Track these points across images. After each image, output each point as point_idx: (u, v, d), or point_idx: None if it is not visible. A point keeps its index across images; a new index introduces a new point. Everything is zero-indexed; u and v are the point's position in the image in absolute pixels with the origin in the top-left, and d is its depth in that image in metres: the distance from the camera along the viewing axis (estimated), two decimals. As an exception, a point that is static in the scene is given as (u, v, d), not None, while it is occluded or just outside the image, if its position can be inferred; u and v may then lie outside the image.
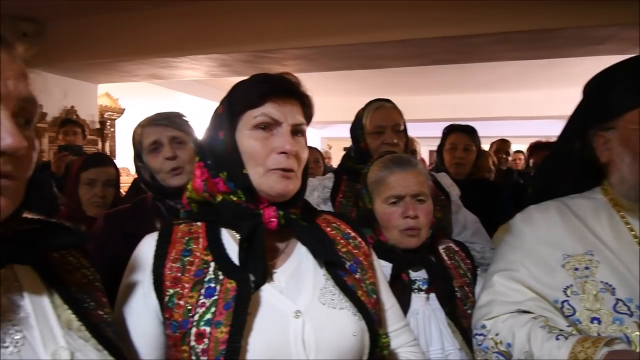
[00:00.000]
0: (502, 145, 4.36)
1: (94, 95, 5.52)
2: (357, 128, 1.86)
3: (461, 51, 3.99)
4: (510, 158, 4.63)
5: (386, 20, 3.56)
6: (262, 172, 0.88)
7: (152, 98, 6.84)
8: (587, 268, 1.04)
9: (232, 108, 0.92)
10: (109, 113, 6.10)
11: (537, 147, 3.27)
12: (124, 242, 1.21)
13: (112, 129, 6.19)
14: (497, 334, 1.07)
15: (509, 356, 1.05)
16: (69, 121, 4.13)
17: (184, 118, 1.56)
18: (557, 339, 0.97)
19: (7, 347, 0.62)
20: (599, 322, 0.98)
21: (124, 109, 6.34)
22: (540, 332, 1.00)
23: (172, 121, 1.52)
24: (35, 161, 0.70)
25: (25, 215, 0.72)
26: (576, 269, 1.05)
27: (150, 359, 0.87)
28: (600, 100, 1.12)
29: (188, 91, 7.22)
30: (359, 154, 1.86)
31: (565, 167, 1.23)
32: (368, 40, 3.66)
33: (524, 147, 6.19)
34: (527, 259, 1.11)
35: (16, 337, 0.64)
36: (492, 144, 4.45)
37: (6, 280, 0.68)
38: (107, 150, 5.88)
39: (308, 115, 0.96)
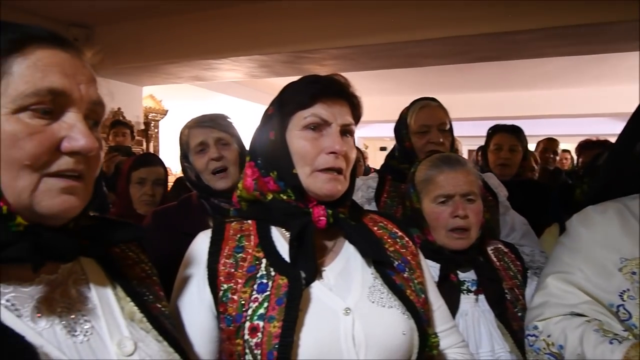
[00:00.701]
0: (549, 144, 4.21)
1: (139, 97, 5.71)
2: (401, 127, 1.84)
3: (505, 48, 3.89)
4: (557, 158, 4.46)
5: (426, 18, 3.52)
6: (312, 172, 0.90)
7: (193, 99, 7.01)
8: None
9: (282, 109, 0.93)
10: (153, 114, 6.27)
11: (586, 146, 3.14)
12: (172, 238, 1.26)
13: (156, 130, 6.35)
14: (549, 336, 1.05)
15: (560, 358, 1.03)
16: (118, 122, 4.28)
17: (228, 120, 1.60)
18: (611, 343, 0.94)
19: (77, 335, 0.66)
20: None
21: (167, 110, 6.50)
22: (593, 336, 0.98)
23: (217, 123, 1.56)
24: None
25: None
26: (633, 273, 1.01)
27: (204, 350, 0.90)
28: None
29: (227, 92, 7.36)
30: (403, 153, 1.84)
31: (626, 167, 1.18)
32: (407, 38, 3.63)
33: (570, 146, 5.96)
34: (583, 261, 1.08)
35: (85, 327, 0.68)
36: (538, 143, 4.31)
37: (74, 273, 0.72)
38: (151, 151, 6.04)
39: (357, 115, 0.97)
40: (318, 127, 0.91)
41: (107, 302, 0.73)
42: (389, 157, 1.97)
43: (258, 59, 4.30)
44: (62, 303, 0.67)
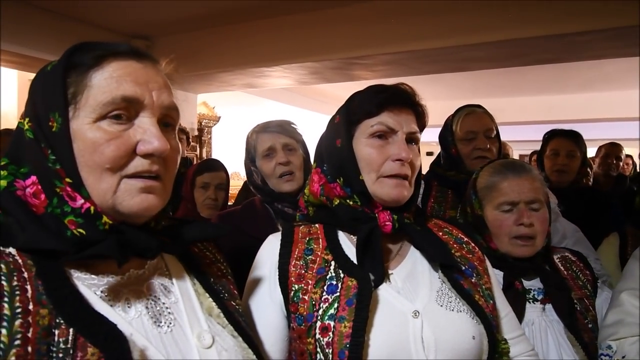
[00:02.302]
0: (612, 149, 3.96)
1: (194, 105, 5.89)
2: (446, 134, 1.83)
3: (562, 50, 3.73)
4: (620, 163, 4.20)
5: (479, 21, 3.44)
6: (376, 178, 0.91)
7: (244, 105, 7.15)
8: None
9: (349, 117, 0.95)
10: (206, 121, 6.45)
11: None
12: (237, 240, 1.29)
13: (209, 136, 6.53)
14: (623, 357, 1.00)
15: None
16: None
17: (293, 126, 1.63)
18: None
19: (162, 326, 0.70)
20: None
21: (219, 117, 6.66)
22: None
23: (284, 129, 1.59)
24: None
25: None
26: None
27: (275, 349, 0.92)
28: None
29: (277, 98, 7.47)
30: (449, 160, 1.83)
31: None
32: (460, 42, 3.55)
33: (631, 151, 5.60)
34: None
35: (169, 319, 0.72)
36: (600, 148, 4.08)
37: (159, 269, 0.77)
38: (204, 156, 6.21)
39: (421, 124, 0.97)
40: (384, 135, 0.92)
41: (188, 297, 0.77)
42: (434, 164, 1.96)
43: (309, 66, 4.35)
44: (149, 296, 0.72)
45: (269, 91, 6.78)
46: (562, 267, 1.24)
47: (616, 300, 1.08)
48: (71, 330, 0.58)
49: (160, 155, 0.69)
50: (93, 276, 0.67)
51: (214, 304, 0.78)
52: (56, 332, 0.57)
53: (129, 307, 0.69)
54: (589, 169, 3.29)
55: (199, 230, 0.81)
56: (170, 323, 0.72)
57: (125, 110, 0.67)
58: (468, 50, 3.74)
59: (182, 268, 0.81)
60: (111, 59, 0.69)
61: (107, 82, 0.67)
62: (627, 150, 4.80)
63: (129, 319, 0.67)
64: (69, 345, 0.57)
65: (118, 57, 0.69)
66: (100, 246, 0.64)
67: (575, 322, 1.13)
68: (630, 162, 5.08)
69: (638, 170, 5.00)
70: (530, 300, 1.17)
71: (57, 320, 0.58)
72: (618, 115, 7.56)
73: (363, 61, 4.10)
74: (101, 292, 0.67)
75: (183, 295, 0.77)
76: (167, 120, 0.74)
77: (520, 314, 1.12)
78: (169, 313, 0.73)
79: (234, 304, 0.83)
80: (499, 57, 3.98)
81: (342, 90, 1.03)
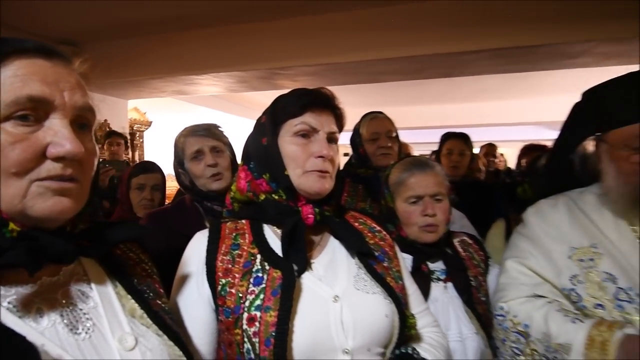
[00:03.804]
0: (489, 149, 4.36)
1: (125, 110, 5.51)
2: (355, 137, 1.93)
3: (453, 66, 3.98)
4: (496, 160, 4.62)
5: (387, 40, 3.57)
6: (302, 173, 0.89)
7: (175, 111, 6.84)
8: (591, 259, 1.02)
9: (275, 117, 0.92)
10: (138, 125, 6.11)
11: (529, 149, 3.29)
12: (167, 238, 1.20)
13: (141, 140, 6.20)
14: (515, 316, 1.06)
15: (527, 335, 1.03)
16: (113, 133, 4.12)
17: (219, 129, 1.56)
18: (574, 322, 0.95)
19: (79, 333, 0.61)
20: (603, 308, 0.97)
21: (151, 122, 6.34)
22: (557, 315, 0.98)
23: (211, 132, 1.51)
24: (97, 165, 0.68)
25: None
26: (581, 260, 1.03)
27: (203, 342, 0.86)
28: (597, 111, 1.08)
29: (207, 105, 7.21)
30: (358, 159, 1.92)
31: (564, 169, 1.20)
32: (371, 57, 3.65)
33: (504, 150, 6.20)
34: (537, 248, 1.09)
35: (87, 325, 0.63)
36: (481, 148, 4.44)
37: (76, 274, 0.67)
38: (137, 159, 5.88)
39: (340, 125, 0.96)
40: (307, 134, 0.90)
41: (108, 301, 0.68)
42: (347, 164, 2.04)
43: (237, 75, 4.22)
44: (64, 303, 0.62)
45: (199, 98, 6.51)
46: (460, 249, 1.29)
47: (504, 267, 1.14)
48: None
49: (74, 158, 0.59)
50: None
51: (136, 305, 0.70)
52: None
53: (41, 316, 0.59)
54: (482, 166, 3.54)
55: (121, 232, 0.72)
56: (89, 329, 0.62)
57: (32, 111, 0.57)
58: (377, 65, 3.86)
59: (102, 272, 0.71)
60: (15, 56, 0.58)
61: (10, 81, 0.56)
62: (500, 150, 5.29)
63: (41, 329, 0.57)
64: None
65: (24, 55, 0.58)
66: (8, 255, 0.54)
67: (471, 297, 1.18)
68: (503, 159, 5.59)
69: (509, 165, 5.50)
70: (435, 280, 1.21)
71: None
72: (496, 121, 8.29)
73: (286, 72, 4.07)
74: (8, 303, 0.56)
75: (103, 300, 0.67)
76: (82, 121, 0.63)
77: (426, 293, 1.14)
78: (87, 319, 0.63)
79: (159, 302, 0.75)
80: (403, 71, 4.15)
81: (268, 98, 1.00)
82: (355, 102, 7.23)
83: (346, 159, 2.12)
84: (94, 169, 0.66)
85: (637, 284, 0.95)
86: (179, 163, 1.53)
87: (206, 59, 4.04)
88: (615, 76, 1.06)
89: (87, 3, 3.42)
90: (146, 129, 6.28)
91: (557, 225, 1.09)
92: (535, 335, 1.00)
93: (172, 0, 3.40)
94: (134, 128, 5.98)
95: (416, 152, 5.42)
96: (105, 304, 0.67)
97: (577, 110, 1.17)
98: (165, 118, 6.62)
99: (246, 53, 3.92)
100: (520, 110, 7.98)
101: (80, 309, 0.63)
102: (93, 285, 0.67)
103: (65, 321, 0.60)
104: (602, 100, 1.07)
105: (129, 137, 5.68)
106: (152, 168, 2.12)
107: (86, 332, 0.62)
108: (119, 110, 5.30)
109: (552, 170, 1.29)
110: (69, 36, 4.14)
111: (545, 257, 1.07)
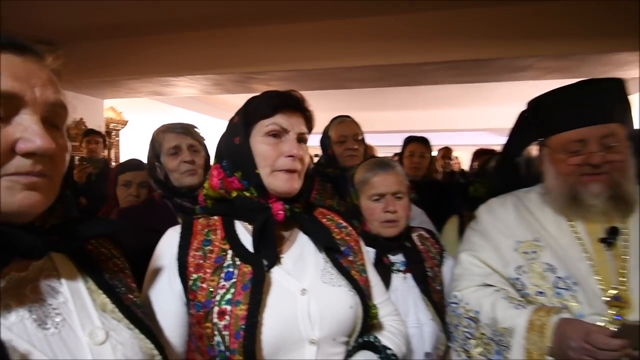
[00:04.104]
0: (446, 152, 4.48)
1: (101, 109, 5.28)
2: (324, 139, 1.95)
3: (413, 75, 4.06)
4: (451, 162, 4.76)
5: (354, 49, 3.60)
6: (270, 172, 0.87)
7: (152, 112, 6.62)
8: (534, 252, 1.06)
9: (247, 118, 0.90)
10: (114, 124, 5.88)
11: (481, 153, 3.41)
12: (137, 234, 1.15)
13: (117, 138, 5.98)
14: (467, 304, 1.08)
15: (477, 321, 1.06)
16: (92, 132, 3.94)
17: (196, 129, 1.52)
18: (517, 308, 0.98)
19: (48, 328, 0.58)
20: (544, 296, 1.01)
21: (127, 121, 6.12)
22: (502, 302, 1.01)
23: (189, 131, 1.47)
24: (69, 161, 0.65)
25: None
26: (526, 253, 1.07)
27: (174, 334, 0.83)
28: (540, 119, 1.13)
29: (183, 106, 7.03)
30: (327, 160, 1.93)
31: (515, 168, 1.24)
32: (339, 65, 3.68)
33: (459, 154, 6.40)
34: (487, 242, 1.12)
35: (57, 320, 0.59)
36: (438, 151, 4.55)
37: (46, 270, 0.63)
38: (113, 157, 5.66)
39: (309, 126, 0.95)
40: (278, 134, 0.88)
41: (78, 296, 0.64)
42: (316, 164, 2.05)
43: (212, 78, 4.14)
44: (33, 298, 0.58)
45: (175, 99, 6.34)
46: (419, 243, 1.31)
47: (458, 259, 1.17)
48: None
49: (44, 154, 0.55)
50: None
51: (107, 299, 0.66)
52: None
53: (8, 312, 0.55)
54: (440, 167, 3.63)
55: (92, 228, 0.68)
56: (58, 324, 0.59)
57: (2, 107, 0.53)
58: (345, 72, 3.89)
59: (73, 267, 0.67)
60: None
61: None
62: (455, 153, 5.46)
63: (9, 324, 0.54)
64: None
65: None
66: None
67: (428, 286, 1.20)
68: (458, 161, 5.77)
69: (462, 167, 5.67)
70: (395, 271, 1.22)
71: None
72: (452, 127, 8.53)
73: (260, 76, 4.03)
74: None
75: (73, 295, 0.63)
76: (54, 118, 0.59)
77: (387, 283, 1.15)
78: (57, 314, 0.60)
79: (131, 297, 0.72)
80: (369, 79, 4.20)
81: (242, 101, 0.97)
82: (324, 107, 7.23)
83: (316, 159, 2.13)
84: (66, 164, 0.62)
85: (573, 274, 1.00)
86: (155, 156, 1.46)
87: (183, 62, 3.94)
88: (556, 88, 1.11)
89: (66, 3, 3.26)
90: (122, 127, 6.06)
91: (505, 221, 1.12)
92: (484, 321, 1.03)
93: (151, 2, 3.29)
94: (110, 127, 5.75)
95: (380, 154, 5.51)
96: (75, 299, 0.63)
97: (523, 118, 1.22)
98: (141, 118, 6.40)
99: (222, 57, 3.86)
100: (473, 118, 8.26)
101: (50, 304, 0.60)
102: (63, 281, 0.64)
103: (33, 316, 0.57)
104: (544, 109, 1.11)
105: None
106: (139, 166, 2.05)
107: (55, 327, 0.58)
108: (95, 109, 5.07)
109: (500, 171, 1.33)
110: (46, 36, 3.92)
111: (495, 250, 1.10)
